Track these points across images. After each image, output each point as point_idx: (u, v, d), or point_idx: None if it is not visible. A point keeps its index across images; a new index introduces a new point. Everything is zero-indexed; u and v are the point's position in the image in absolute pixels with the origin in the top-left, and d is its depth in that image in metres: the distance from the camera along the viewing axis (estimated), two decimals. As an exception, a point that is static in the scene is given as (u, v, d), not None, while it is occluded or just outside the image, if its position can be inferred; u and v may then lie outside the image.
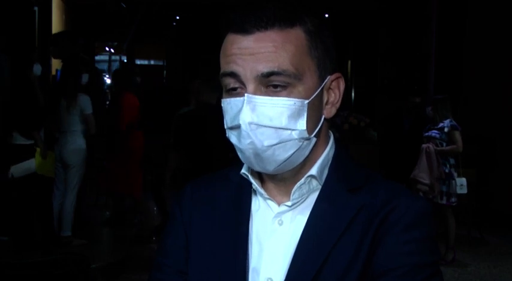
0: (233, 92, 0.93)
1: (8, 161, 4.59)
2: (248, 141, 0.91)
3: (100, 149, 5.92)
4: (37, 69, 4.89)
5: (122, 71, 6.50)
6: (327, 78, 0.97)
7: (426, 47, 7.40)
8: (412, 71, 9.26)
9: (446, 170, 5.20)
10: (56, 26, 7.95)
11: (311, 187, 0.99)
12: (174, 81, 11.10)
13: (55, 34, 5.94)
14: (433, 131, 5.27)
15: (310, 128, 0.93)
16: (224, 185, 1.06)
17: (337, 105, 0.99)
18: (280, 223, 0.99)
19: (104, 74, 9.03)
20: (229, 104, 0.94)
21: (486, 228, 6.26)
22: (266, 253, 0.98)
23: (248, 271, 0.98)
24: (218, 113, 1.03)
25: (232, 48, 0.92)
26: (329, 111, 0.99)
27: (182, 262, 1.03)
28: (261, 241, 0.99)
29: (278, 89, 0.90)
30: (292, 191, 0.97)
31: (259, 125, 0.90)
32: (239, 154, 0.96)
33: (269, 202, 1.01)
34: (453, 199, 5.20)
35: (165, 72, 12.08)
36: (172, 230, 1.07)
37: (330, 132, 1.04)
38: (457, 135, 5.18)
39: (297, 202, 0.98)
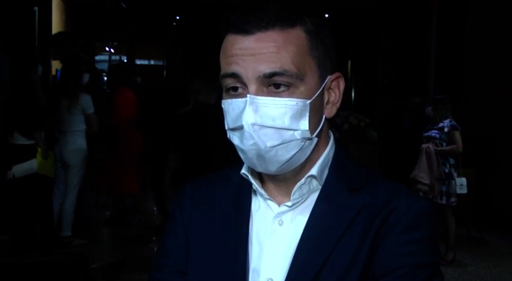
0: (234, 93, 0.93)
1: (8, 161, 4.59)
2: (251, 142, 0.91)
3: (100, 149, 5.92)
4: (37, 69, 4.90)
5: (118, 67, 6.49)
6: (327, 78, 0.97)
7: (426, 47, 7.40)
8: (412, 71, 9.26)
9: (446, 170, 5.20)
10: (56, 26, 7.95)
11: (311, 187, 0.99)
12: (174, 81, 11.09)
13: (55, 34, 5.93)
14: (433, 131, 5.27)
15: (312, 128, 0.94)
16: (224, 185, 1.06)
17: (338, 104, 0.99)
18: (281, 223, 0.99)
19: (104, 74, 9.03)
20: (230, 105, 0.93)
21: (486, 228, 6.26)
22: (266, 253, 0.98)
23: (248, 272, 0.98)
24: (218, 113, 1.03)
25: (232, 48, 0.91)
26: (330, 111, 0.99)
27: (182, 262, 1.03)
28: (261, 241, 0.99)
29: (280, 89, 0.90)
30: (293, 192, 0.97)
31: (262, 126, 0.90)
32: (241, 154, 0.95)
33: (269, 202, 1.01)
34: (453, 199, 5.20)
35: (165, 72, 12.07)
36: (172, 230, 1.07)
37: (330, 132, 1.04)
38: (457, 135, 5.18)
39: (297, 202, 0.98)
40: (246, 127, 0.90)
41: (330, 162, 1.01)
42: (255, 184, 1.00)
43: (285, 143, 0.91)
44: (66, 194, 5.10)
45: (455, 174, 5.23)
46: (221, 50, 0.95)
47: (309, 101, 0.92)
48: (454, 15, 8.08)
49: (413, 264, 0.91)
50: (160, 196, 5.98)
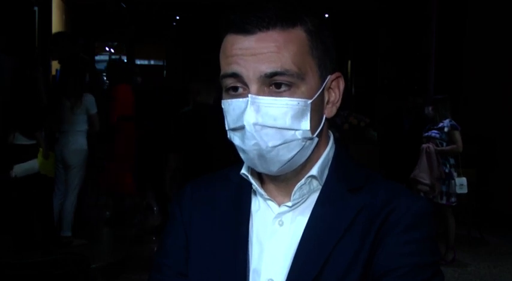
0: (234, 93, 0.93)
1: (9, 161, 4.59)
2: (253, 142, 0.90)
3: (101, 149, 5.93)
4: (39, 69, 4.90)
5: (116, 63, 6.49)
6: (328, 78, 0.97)
7: (426, 47, 7.40)
8: (412, 71, 9.27)
9: (446, 170, 5.20)
10: (56, 26, 7.94)
11: (311, 187, 0.99)
12: (174, 81, 11.09)
13: (55, 34, 5.94)
14: (433, 131, 5.27)
15: (312, 128, 0.94)
16: (224, 185, 1.06)
17: (338, 104, 0.99)
18: (281, 224, 0.98)
19: (104, 74, 9.03)
20: (230, 105, 0.93)
21: (486, 228, 6.26)
22: (267, 253, 0.98)
23: (249, 272, 0.98)
24: (218, 113, 1.03)
25: (233, 48, 0.91)
26: (330, 110, 0.99)
27: (182, 263, 1.03)
28: (262, 241, 0.99)
29: (281, 89, 0.90)
30: (293, 192, 0.97)
31: (263, 126, 0.90)
32: (242, 155, 0.95)
33: (269, 202, 1.01)
34: (453, 199, 5.20)
35: (165, 72, 12.07)
36: (172, 230, 1.07)
37: (330, 132, 1.04)
38: (457, 135, 5.18)
39: (298, 203, 0.98)
40: (247, 127, 0.89)
41: (330, 162, 1.01)
42: (255, 184, 1.00)
43: (286, 143, 0.91)
44: (67, 194, 5.10)
45: (455, 174, 5.23)
46: (221, 50, 0.95)
47: (310, 101, 0.92)
48: (454, 15, 8.08)
49: (414, 264, 0.91)
50: (160, 195, 5.99)
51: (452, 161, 5.26)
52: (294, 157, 0.93)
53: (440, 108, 5.28)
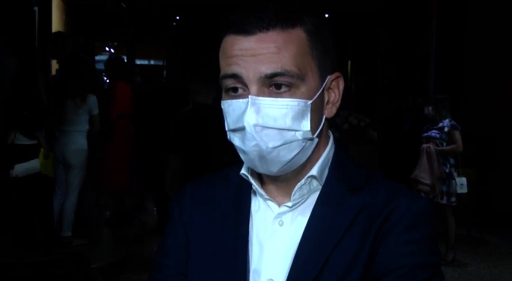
0: (234, 94, 0.93)
1: (9, 161, 4.59)
2: (253, 143, 0.90)
3: (101, 148, 5.93)
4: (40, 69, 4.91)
5: (113, 60, 6.48)
6: (328, 78, 0.97)
7: (426, 47, 7.40)
8: (412, 71, 9.27)
9: (447, 170, 5.20)
10: (56, 26, 7.94)
11: (311, 188, 0.99)
12: (174, 81, 11.09)
13: (54, 33, 5.94)
14: (433, 131, 5.27)
15: (313, 128, 0.94)
16: (224, 185, 1.06)
17: (337, 104, 0.99)
18: (281, 224, 0.98)
19: (104, 74, 9.03)
20: (230, 106, 0.93)
21: (486, 228, 6.26)
22: (267, 254, 0.98)
23: (249, 272, 0.98)
24: (217, 113, 1.03)
25: (233, 49, 0.91)
26: (330, 111, 0.99)
27: (182, 263, 1.03)
28: (262, 241, 0.99)
29: (281, 89, 0.90)
30: (293, 192, 0.97)
31: (264, 127, 0.90)
32: (242, 156, 0.95)
33: (269, 202, 1.01)
34: (453, 199, 5.20)
35: (165, 72, 12.07)
36: (172, 230, 1.07)
37: (330, 132, 1.04)
38: (457, 135, 5.18)
39: (298, 203, 0.98)
40: (247, 128, 0.89)
41: (330, 162, 1.01)
42: (255, 185, 1.00)
43: (286, 143, 0.91)
44: (67, 195, 5.10)
45: (455, 174, 5.23)
46: (220, 51, 0.94)
47: (310, 102, 0.92)
48: (454, 15, 8.08)
49: (414, 264, 0.91)
50: (160, 196, 5.99)
51: (452, 161, 5.26)
52: (294, 157, 0.93)
53: (440, 108, 5.28)
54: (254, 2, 0.92)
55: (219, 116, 0.99)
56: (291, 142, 0.91)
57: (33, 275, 2.72)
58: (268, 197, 1.00)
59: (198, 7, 9.93)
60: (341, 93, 1.00)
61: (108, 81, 6.47)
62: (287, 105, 0.90)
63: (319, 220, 0.96)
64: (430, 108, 5.38)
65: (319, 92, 0.94)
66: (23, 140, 4.64)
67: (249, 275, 0.97)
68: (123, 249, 5.30)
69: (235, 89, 0.92)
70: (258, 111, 0.89)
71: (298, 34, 0.92)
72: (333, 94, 0.99)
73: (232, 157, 1.00)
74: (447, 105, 5.31)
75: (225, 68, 0.92)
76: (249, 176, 1.00)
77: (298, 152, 0.93)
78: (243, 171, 1.01)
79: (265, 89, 0.90)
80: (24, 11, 6.38)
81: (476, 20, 7.84)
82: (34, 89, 4.70)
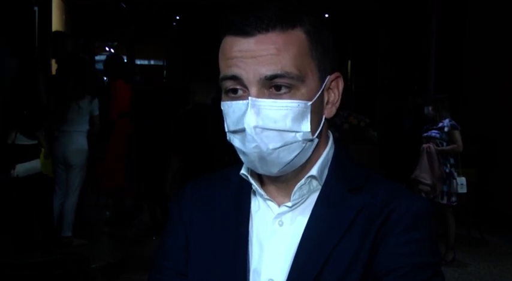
0: (233, 95, 0.92)
1: (10, 161, 4.59)
2: (253, 145, 0.90)
3: (101, 148, 5.93)
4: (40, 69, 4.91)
5: (112, 59, 6.48)
6: (327, 78, 0.97)
7: (426, 47, 7.40)
8: (412, 71, 9.27)
9: (447, 170, 5.20)
10: (56, 26, 7.94)
11: (311, 188, 0.99)
12: (174, 81, 11.09)
13: (54, 33, 5.94)
14: (433, 131, 5.27)
15: (312, 129, 0.94)
16: (224, 185, 1.06)
17: (337, 104, 0.99)
18: (281, 224, 0.98)
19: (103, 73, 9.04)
20: (230, 107, 0.93)
21: (486, 228, 6.26)
22: (267, 254, 0.98)
23: (249, 272, 0.98)
24: (217, 114, 1.03)
25: (232, 51, 0.91)
26: (329, 111, 0.99)
27: (182, 263, 1.03)
28: (262, 241, 0.99)
29: (281, 91, 0.90)
30: (293, 192, 0.97)
31: (264, 129, 0.89)
32: (242, 157, 0.95)
33: (269, 202, 1.01)
34: (453, 199, 5.20)
35: (165, 72, 12.07)
36: (172, 230, 1.07)
37: (329, 132, 1.04)
38: (457, 134, 5.18)
39: (297, 203, 0.98)
40: (248, 130, 0.89)
41: (329, 162, 1.01)
42: (255, 185, 1.00)
43: (287, 145, 0.91)
44: (68, 195, 5.10)
45: (455, 174, 5.23)
46: (220, 52, 0.94)
47: (310, 103, 0.92)
48: (454, 15, 8.08)
49: (414, 264, 0.91)
50: (160, 195, 5.99)
51: (452, 160, 5.26)
52: (294, 158, 0.93)
53: (440, 108, 5.28)
54: (254, 2, 0.91)
55: (219, 116, 0.99)
56: (291, 143, 0.91)
57: (33, 275, 2.72)
58: (268, 197, 1.00)
59: (198, 7, 9.92)
60: (341, 94, 1.00)
61: (107, 80, 6.46)
62: (287, 106, 0.90)
63: (319, 220, 0.96)
64: (430, 108, 5.38)
65: (319, 92, 0.94)
66: (24, 140, 4.64)
67: (249, 275, 0.97)
68: (123, 249, 5.30)
69: (235, 91, 0.92)
70: (258, 113, 0.89)
71: (297, 35, 0.91)
72: (332, 94, 0.99)
73: (232, 157, 1.00)
74: (447, 105, 5.31)
75: (225, 70, 0.92)
76: (249, 177, 1.00)
77: (299, 153, 0.93)
78: (243, 171, 1.01)
79: (265, 91, 0.90)
80: (24, 11, 6.38)
81: (476, 20, 7.84)
82: (34, 89, 4.70)
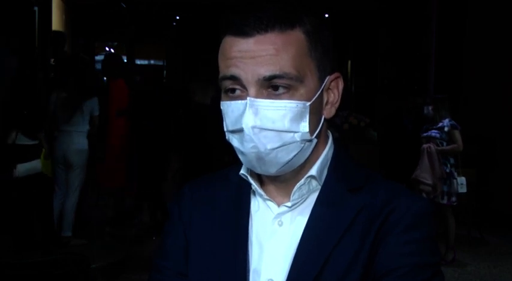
0: (232, 95, 0.93)
1: (10, 161, 4.59)
2: (251, 145, 0.90)
3: (100, 148, 5.93)
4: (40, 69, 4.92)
5: (110, 57, 6.48)
6: (327, 78, 0.97)
7: (426, 47, 7.40)
8: (412, 71, 9.27)
9: (447, 170, 5.20)
10: (56, 26, 7.94)
11: (311, 188, 0.98)
12: (174, 81, 11.10)
13: (54, 32, 5.94)
14: (433, 131, 5.27)
15: (311, 129, 0.93)
16: (224, 185, 1.06)
17: (337, 105, 0.99)
18: (280, 224, 0.98)
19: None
20: (229, 107, 0.93)
21: (486, 228, 6.26)
22: (266, 254, 0.98)
23: (249, 272, 0.98)
24: (217, 113, 1.03)
25: (232, 51, 0.91)
26: (329, 111, 0.98)
27: (182, 263, 1.03)
28: (261, 241, 0.99)
29: (280, 91, 0.90)
30: (292, 192, 0.97)
31: (262, 129, 0.90)
32: (241, 157, 0.95)
33: (268, 202, 1.01)
34: (454, 199, 5.20)
35: (165, 72, 12.07)
36: (172, 230, 1.07)
37: (329, 132, 1.04)
38: (457, 134, 5.18)
39: (297, 203, 0.98)
40: (246, 130, 0.89)
41: (329, 162, 1.01)
42: (255, 185, 1.00)
43: (285, 145, 0.91)
44: (68, 195, 5.10)
45: (455, 173, 5.23)
46: (220, 52, 0.94)
47: (308, 103, 0.92)
48: (454, 15, 8.08)
49: (414, 264, 0.91)
50: (160, 195, 5.99)
51: (452, 160, 5.26)
52: (292, 158, 0.93)
53: (439, 108, 5.28)
54: (254, 2, 0.91)
55: (218, 116, 0.99)
56: (290, 143, 0.91)
57: (33, 275, 2.72)
58: (268, 197, 1.00)
59: (198, 7, 9.93)
60: (340, 94, 0.99)
61: (105, 79, 6.45)
62: (285, 107, 0.90)
63: (318, 219, 0.96)
64: (430, 108, 5.37)
65: (318, 93, 0.94)
66: (25, 140, 4.65)
67: (248, 275, 0.97)
68: (123, 249, 5.30)
69: (233, 90, 0.92)
70: (256, 113, 0.89)
71: (297, 35, 0.91)
72: (332, 95, 0.99)
73: (231, 157, 1.00)
74: (447, 105, 5.31)
75: (224, 70, 0.92)
76: (249, 177, 1.00)
77: (297, 154, 0.93)
78: (242, 171, 1.01)
79: (264, 91, 0.90)
80: (24, 11, 6.38)
81: (476, 20, 7.84)
82: (34, 89, 4.71)
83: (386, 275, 0.91)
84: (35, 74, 4.81)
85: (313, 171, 0.97)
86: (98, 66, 10.54)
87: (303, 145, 0.93)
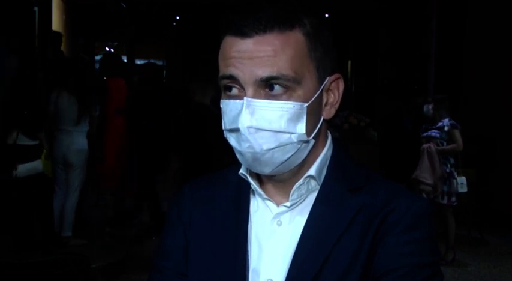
0: (230, 93, 0.93)
1: (11, 161, 4.59)
2: (247, 144, 0.91)
3: (100, 149, 5.93)
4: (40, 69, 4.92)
5: (108, 57, 6.48)
6: (326, 79, 0.96)
7: (426, 47, 7.40)
8: (412, 71, 9.27)
9: (447, 170, 5.20)
10: (56, 26, 7.95)
11: (310, 187, 0.99)
12: (174, 81, 11.10)
13: (54, 32, 5.95)
14: (433, 131, 5.27)
15: (309, 130, 0.93)
16: (224, 185, 1.06)
17: (336, 106, 0.99)
18: (279, 224, 0.99)
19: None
20: (227, 106, 0.93)
21: (486, 228, 6.26)
22: (265, 253, 0.98)
23: (248, 272, 0.98)
24: (217, 113, 1.03)
25: (231, 51, 0.91)
26: (328, 112, 0.98)
27: (182, 263, 1.03)
28: (260, 241, 0.99)
29: (277, 92, 0.90)
30: (291, 192, 0.97)
31: (258, 129, 0.90)
32: (238, 156, 0.95)
33: (268, 202, 1.01)
34: (454, 199, 5.20)
35: (165, 72, 12.08)
36: (171, 230, 1.07)
37: (328, 132, 1.04)
38: (457, 134, 5.18)
39: (296, 203, 0.98)
40: (242, 130, 0.89)
41: (328, 162, 1.01)
42: (254, 184, 1.00)
43: (281, 146, 0.91)
44: (68, 195, 5.10)
45: (455, 173, 5.23)
46: (220, 52, 0.94)
47: (306, 105, 0.92)
48: (454, 15, 8.08)
49: (413, 264, 0.91)
50: (156, 196, 5.99)
51: (452, 160, 5.26)
52: (288, 159, 0.93)
53: (439, 108, 5.28)
54: (253, 3, 0.91)
55: (218, 116, 0.99)
56: (286, 144, 0.91)
57: (33, 275, 2.72)
58: (267, 197, 1.00)
59: (198, 7, 9.93)
60: (341, 95, 0.99)
61: (101, 76, 6.45)
62: (282, 107, 0.90)
63: (318, 219, 0.96)
64: (430, 106, 5.35)
65: (317, 94, 0.94)
66: (25, 141, 4.65)
67: (248, 275, 0.97)
68: (123, 249, 5.30)
69: (230, 88, 0.93)
70: (252, 113, 0.89)
71: (296, 36, 0.91)
72: (332, 95, 0.98)
73: (231, 158, 1.00)
74: (446, 105, 5.31)
75: (223, 70, 0.92)
76: (248, 176, 1.00)
77: (293, 154, 0.93)
78: (242, 171, 1.01)
79: (261, 91, 0.90)
80: (24, 11, 6.38)
81: (476, 20, 7.84)
82: (34, 89, 4.71)
83: (386, 275, 0.91)
84: (35, 74, 4.81)
85: (311, 171, 0.97)
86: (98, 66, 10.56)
87: (299, 146, 0.93)
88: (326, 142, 1.02)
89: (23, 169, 4.55)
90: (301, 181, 0.97)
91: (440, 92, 6.11)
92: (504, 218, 6.60)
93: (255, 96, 0.90)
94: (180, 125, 4.55)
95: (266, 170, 0.93)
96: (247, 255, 0.98)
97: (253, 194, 1.03)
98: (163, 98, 6.25)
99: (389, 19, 9.93)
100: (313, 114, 0.94)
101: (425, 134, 5.35)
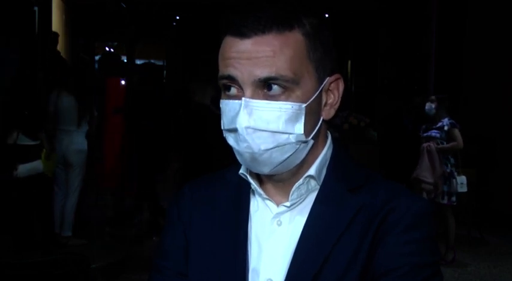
0: (229, 93, 0.93)
1: (11, 161, 4.59)
2: (245, 145, 0.91)
3: (99, 149, 5.94)
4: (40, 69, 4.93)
5: (107, 56, 6.50)
6: (326, 80, 0.96)
7: (426, 47, 7.40)
8: (412, 71, 9.27)
9: (447, 169, 5.20)
10: (56, 26, 7.95)
11: (309, 187, 0.98)
12: (174, 81, 11.10)
13: (54, 33, 5.95)
14: (433, 131, 5.27)
15: (307, 131, 0.93)
16: (224, 185, 1.06)
17: (336, 106, 0.99)
18: (279, 224, 0.99)
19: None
20: (226, 106, 0.93)
21: (486, 228, 6.26)
22: (265, 253, 0.98)
23: (248, 272, 0.98)
24: (217, 114, 1.03)
25: (230, 51, 0.91)
26: (327, 113, 0.98)
27: (182, 263, 1.03)
28: (260, 241, 0.99)
29: (276, 92, 0.90)
30: (291, 192, 0.97)
31: (255, 129, 0.90)
32: (237, 155, 0.95)
33: (268, 202, 1.01)
34: (454, 199, 5.20)
35: (165, 72, 12.07)
36: (171, 230, 1.07)
37: (328, 132, 1.04)
38: (457, 132, 5.18)
39: (296, 203, 0.98)
40: (239, 130, 0.90)
41: (327, 162, 1.01)
42: (254, 184, 1.00)
43: (279, 146, 0.91)
44: (68, 195, 5.11)
45: (455, 173, 5.23)
46: (219, 51, 0.94)
47: (304, 105, 0.92)
48: (454, 15, 8.08)
49: (413, 264, 0.91)
50: (155, 196, 5.99)
51: (452, 160, 5.26)
52: (287, 159, 0.93)
53: (439, 108, 5.28)
54: (253, 3, 0.91)
55: (218, 116, 0.99)
56: (284, 144, 0.91)
57: (33, 275, 2.72)
58: (267, 197, 1.00)
59: (198, 7, 9.93)
60: (340, 96, 0.99)
61: (100, 75, 6.47)
62: (280, 108, 0.90)
63: (318, 218, 0.96)
64: (434, 105, 5.30)
65: (316, 94, 0.94)
66: (26, 141, 4.65)
67: (248, 275, 0.97)
68: (123, 249, 5.30)
69: (228, 88, 0.93)
70: (250, 113, 0.89)
71: (295, 37, 0.91)
72: (332, 96, 0.98)
73: (230, 159, 1.00)
74: (446, 105, 5.30)
75: (222, 69, 0.93)
76: (248, 176, 1.00)
77: (291, 154, 0.93)
78: (242, 171, 1.01)
79: (260, 92, 0.90)
80: (24, 11, 6.38)
81: (476, 20, 7.84)
82: (34, 89, 4.71)
83: (386, 275, 0.91)
84: (35, 74, 4.81)
85: (311, 171, 0.97)
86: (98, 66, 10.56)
87: (298, 146, 0.93)
88: (326, 142, 1.02)
89: (23, 169, 4.55)
90: (301, 181, 0.97)
91: (440, 92, 6.10)
92: (504, 218, 6.60)
93: (253, 97, 0.90)
94: (180, 125, 4.55)
95: (265, 170, 0.93)
96: (247, 255, 0.98)
97: (253, 194, 1.03)
98: (163, 98, 6.26)
99: (389, 19, 9.93)
100: (312, 115, 0.94)
101: (425, 134, 5.35)
